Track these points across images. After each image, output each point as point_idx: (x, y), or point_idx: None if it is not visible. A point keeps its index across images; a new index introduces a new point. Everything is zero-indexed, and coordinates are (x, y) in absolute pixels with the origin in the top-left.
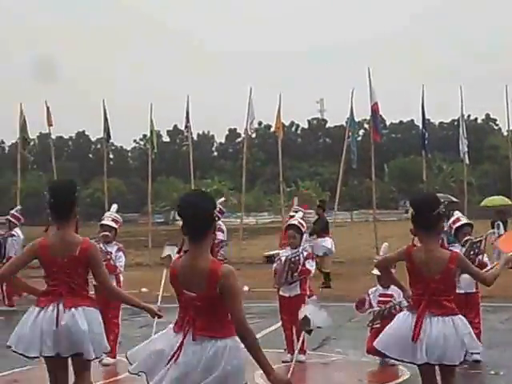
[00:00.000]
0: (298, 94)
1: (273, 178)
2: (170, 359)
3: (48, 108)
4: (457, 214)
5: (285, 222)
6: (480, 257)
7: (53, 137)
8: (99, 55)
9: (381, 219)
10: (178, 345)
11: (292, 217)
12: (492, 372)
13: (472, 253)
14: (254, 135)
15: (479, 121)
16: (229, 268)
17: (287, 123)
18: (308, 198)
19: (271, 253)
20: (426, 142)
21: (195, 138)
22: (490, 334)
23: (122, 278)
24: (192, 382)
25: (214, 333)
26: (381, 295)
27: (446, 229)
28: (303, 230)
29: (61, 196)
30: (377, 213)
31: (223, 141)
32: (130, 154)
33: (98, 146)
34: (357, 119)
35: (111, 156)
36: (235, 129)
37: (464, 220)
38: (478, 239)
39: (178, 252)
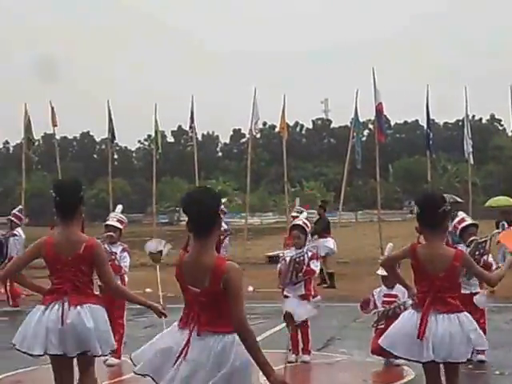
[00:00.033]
0: (303, 95)
1: (277, 178)
2: (179, 356)
3: (52, 108)
4: (461, 214)
5: (289, 223)
6: (485, 257)
7: (57, 137)
8: (100, 55)
9: (385, 219)
10: (185, 341)
11: (294, 217)
12: (497, 372)
13: (477, 253)
14: (258, 135)
15: (484, 121)
16: (234, 264)
17: (292, 123)
18: (312, 198)
19: (273, 253)
20: (431, 142)
21: (200, 138)
22: (494, 335)
23: (126, 279)
24: (202, 378)
25: (218, 328)
26: (385, 295)
27: (450, 229)
28: (308, 230)
29: (66, 195)
30: (381, 213)
31: (228, 141)
32: (134, 155)
33: (103, 146)
34: (361, 119)
35: (116, 156)
36: (240, 129)
37: (469, 220)
38: (483, 239)
39: (184, 249)
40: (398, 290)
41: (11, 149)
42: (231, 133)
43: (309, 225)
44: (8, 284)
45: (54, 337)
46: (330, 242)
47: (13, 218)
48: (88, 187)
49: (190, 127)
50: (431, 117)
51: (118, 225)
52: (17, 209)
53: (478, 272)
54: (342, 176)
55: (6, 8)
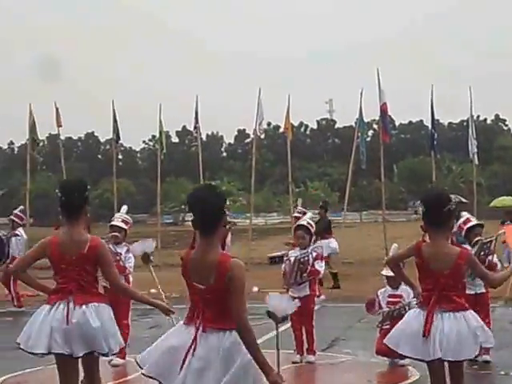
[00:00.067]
0: (307, 95)
1: (282, 178)
2: (187, 353)
3: (57, 109)
4: (465, 214)
5: (293, 223)
6: (490, 257)
7: (62, 137)
8: (101, 55)
9: (390, 220)
10: (191, 338)
11: (296, 218)
12: (502, 372)
13: (482, 253)
14: (262, 136)
15: (488, 121)
16: (238, 262)
17: (296, 124)
18: (317, 198)
19: (275, 254)
20: (435, 142)
21: (204, 138)
22: (499, 335)
23: (131, 279)
24: (213, 376)
25: (223, 325)
26: (390, 296)
27: (455, 229)
28: (312, 230)
29: (71, 194)
30: (386, 213)
31: (232, 141)
32: (139, 155)
33: (107, 146)
34: (366, 120)
35: (120, 157)
36: (244, 129)
37: (475, 221)
38: (488, 240)
39: (191, 247)
40: (403, 290)
41: (16, 149)
42: (236, 133)
43: (313, 225)
44: (12, 285)
45: (58, 336)
46: (333, 243)
47: (14, 218)
48: (92, 187)
49: (195, 127)
50: (436, 117)
51: (123, 225)
52: (18, 209)
53: (481, 273)
54: (346, 176)
55: (6, 8)
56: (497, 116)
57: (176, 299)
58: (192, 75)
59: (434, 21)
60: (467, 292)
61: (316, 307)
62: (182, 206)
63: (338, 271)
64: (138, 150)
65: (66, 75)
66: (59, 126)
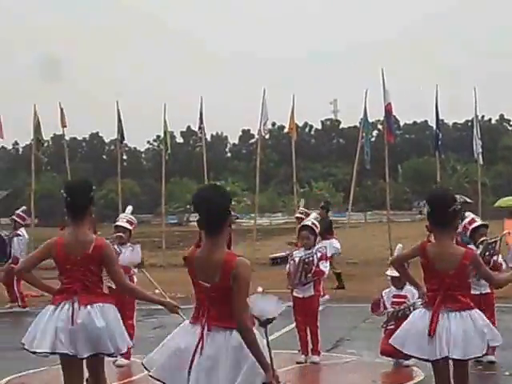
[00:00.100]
0: (312, 95)
1: (286, 178)
2: (194, 353)
3: (62, 109)
4: (469, 214)
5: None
6: (495, 257)
7: (66, 138)
8: (103, 55)
9: (395, 220)
10: (198, 336)
11: (298, 218)
12: (507, 373)
13: (487, 253)
14: (267, 136)
15: (493, 121)
16: (243, 260)
17: (301, 124)
18: (322, 198)
19: (277, 255)
20: (440, 142)
21: (209, 138)
22: (505, 335)
23: (135, 279)
24: (223, 374)
25: (229, 323)
26: (394, 296)
27: (459, 229)
28: (317, 230)
29: (77, 195)
30: (391, 214)
31: (237, 142)
32: (143, 155)
33: (112, 147)
34: (370, 120)
35: (125, 157)
36: (249, 130)
37: (480, 221)
38: (493, 240)
39: (196, 245)
40: (408, 290)
41: (20, 150)
42: (240, 133)
43: (318, 225)
44: (16, 285)
45: (63, 336)
46: (335, 243)
47: (16, 219)
48: (97, 188)
49: (199, 128)
50: (440, 117)
51: (128, 226)
52: (20, 209)
53: (485, 273)
54: (351, 176)
55: (6, 8)
56: (501, 116)
57: (182, 299)
58: (194, 75)
59: (437, 21)
60: (472, 292)
61: (320, 308)
62: (187, 207)
63: (343, 271)
64: (142, 150)
65: (68, 75)
66: (64, 126)
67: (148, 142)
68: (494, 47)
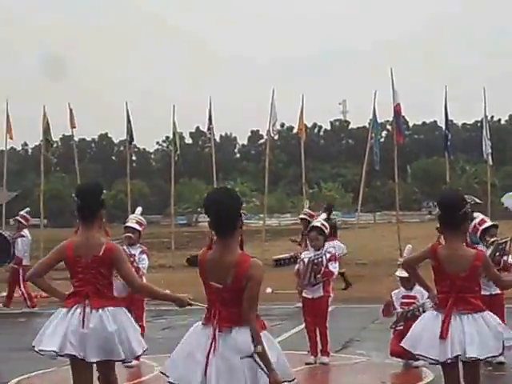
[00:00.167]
0: (321, 96)
1: (295, 179)
2: (208, 354)
3: (71, 110)
4: (478, 215)
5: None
6: (505, 258)
7: (76, 139)
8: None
9: (404, 220)
10: (210, 338)
11: (302, 219)
12: None
13: (497, 254)
14: (276, 137)
15: (503, 122)
16: (257, 262)
17: (310, 125)
18: (331, 199)
19: (280, 256)
20: (449, 143)
21: (218, 139)
22: None
23: (144, 280)
24: (238, 373)
25: (240, 325)
26: (404, 297)
27: (469, 230)
28: (326, 231)
29: (87, 198)
30: (400, 214)
31: (245, 142)
32: (152, 156)
33: (121, 148)
34: (379, 120)
35: (134, 158)
36: (257, 130)
37: (490, 221)
38: (503, 240)
39: (208, 247)
40: (417, 291)
41: (30, 151)
42: (249, 134)
43: (327, 226)
44: (22, 286)
45: (74, 338)
46: (339, 245)
47: (20, 219)
48: (106, 189)
49: (208, 129)
50: (449, 118)
51: (137, 227)
52: (24, 210)
53: (494, 275)
54: (360, 177)
55: (6, 8)
56: (511, 116)
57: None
58: (203, 76)
59: (447, 21)
60: (482, 293)
61: (330, 308)
62: (199, 210)
63: (352, 272)
64: (151, 151)
65: (73, 75)
66: (73, 127)
67: (157, 142)
68: (503, 47)
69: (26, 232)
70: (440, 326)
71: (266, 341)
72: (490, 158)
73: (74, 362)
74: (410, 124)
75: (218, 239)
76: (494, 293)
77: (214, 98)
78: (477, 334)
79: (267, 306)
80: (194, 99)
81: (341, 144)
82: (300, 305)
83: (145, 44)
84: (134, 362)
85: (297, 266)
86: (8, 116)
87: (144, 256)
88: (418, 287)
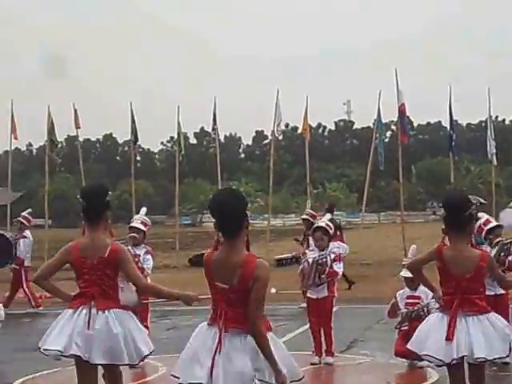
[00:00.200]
0: (325, 96)
1: (300, 179)
2: (214, 354)
3: (75, 110)
4: (483, 215)
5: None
6: (510, 258)
7: (80, 139)
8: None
9: (408, 221)
10: (216, 338)
11: (304, 219)
12: None
13: (502, 254)
14: (280, 137)
15: (507, 122)
16: (264, 262)
17: (314, 125)
18: (335, 199)
19: (282, 256)
20: (454, 143)
21: (222, 139)
22: None
23: (149, 280)
24: (244, 375)
25: (245, 326)
26: (408, 297)
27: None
28: (331, 232)
29: (93, 200)
30: (404, 214)
31: (250, 143)
32: (157, 156)
33: (126, 148)
34: (384, 120)
35: (138, 158)
36: (262, 131)
37: (495, 222)
38: (508, 241)
39: (214, 248)
40: (422, 291)
41: (34, 151)
42: (253, 134)
43: (332, 226)
44: (26, 286)
45: (79, 339)
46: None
47: (22, 220)
48: (111, 189)
49: (213, 129)
50: (454, 118)
51: (142, 227)
52: (26, 211)
53: (499, 276)
54: (364, 177)
55: (6, 8)
56: None
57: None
58: (208, 76)
59: (451, 21)
60: (487, 293)
61: (334, 309)
62: (204, 211)
63: (356, 272)
64: (156, 151)
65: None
66: (77, 127)
67: (161, 142)
68: (508, 47)
69: (27, 233)
70: (446, 327)
71: (272, 342)
72: (494, 158)
73: (79, 362)
74: (415, 124)
75: (224, 240)
76: (498, 293)
77: (219, 99)
78: (482, 336)
79: (273, 307)
80: (196, 99)
81: (345, 144)
82: (304, 305)
83: (145, 44)
84: (140, 363)
85: (301, 266)
86: (13, 116)
87: (149, 256)
88: (422, 287)
